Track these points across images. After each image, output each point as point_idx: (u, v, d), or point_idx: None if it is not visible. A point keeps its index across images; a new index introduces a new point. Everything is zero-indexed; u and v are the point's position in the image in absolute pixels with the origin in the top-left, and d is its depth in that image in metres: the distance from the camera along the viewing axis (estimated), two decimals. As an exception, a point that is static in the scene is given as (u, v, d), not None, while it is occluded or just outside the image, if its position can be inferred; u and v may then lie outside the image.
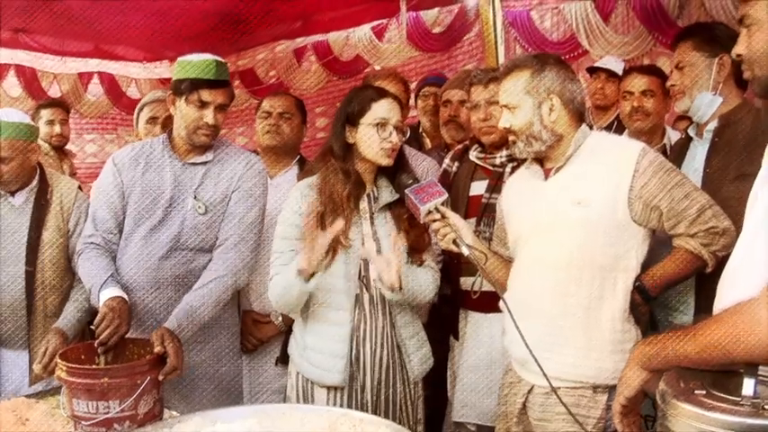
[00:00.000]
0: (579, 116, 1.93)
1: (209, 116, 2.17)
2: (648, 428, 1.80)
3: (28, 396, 2.05)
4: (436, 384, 2.52)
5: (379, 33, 5.73)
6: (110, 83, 6.27)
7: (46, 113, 3.66)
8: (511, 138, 1.95)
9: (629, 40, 4.46)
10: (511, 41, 5.10)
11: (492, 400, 2.34)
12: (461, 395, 2.46)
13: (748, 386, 1.11)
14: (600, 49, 4.56)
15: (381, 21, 5.62)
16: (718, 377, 1.18)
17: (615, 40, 4.52)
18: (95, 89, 6.23)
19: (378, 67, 5.73)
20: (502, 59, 4.96)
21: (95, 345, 1.89)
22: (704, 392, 1.14)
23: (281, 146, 2.78)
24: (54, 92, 5.94)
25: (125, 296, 2.03)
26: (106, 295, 2.01)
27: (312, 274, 1.95)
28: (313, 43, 6.11)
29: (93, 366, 1.84)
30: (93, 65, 6.05)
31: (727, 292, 1.29)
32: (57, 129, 3.73)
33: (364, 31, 5.79)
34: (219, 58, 2.23)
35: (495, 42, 4.93)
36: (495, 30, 4.95)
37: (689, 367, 1.24)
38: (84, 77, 6.15)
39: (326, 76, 6.13)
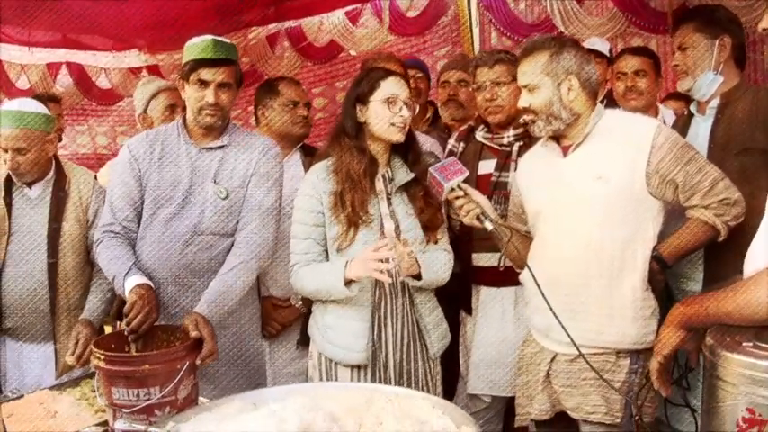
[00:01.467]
0: (595, 95, 2.02)
1: (209, 95, 2.16)
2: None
3: (50, 388, 2.05)
4: (445, 360, 2.59)
5: (353, 18, 5.71)
6: (79, 73, 6.09)
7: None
8: (530, 117, 2.02)
9: (604, 22, 4.53)
10: (486, 24, 5.16)
11: (506, 372, 2.43)
12: (476, 368, 2.53)
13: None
14: (575, 30, 4.61)
15: (355, 6, 5.61)
16: (759, 332, 1.29)
17: (590, 21, 4.60)
18: (64, 80, 6.05)
19: (353, 53, 5.73)
20: (477, 42, 5.05)
21: (126, 333, 1.88)
22: (751, 344, 1.24)
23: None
24: (22, 83, 5.76)
25: (151, 283, 2.04)
26: (132, 283, 2.00)
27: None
28: (286, 29, 6.04)
29: (133, 354, 1.85)
30: (62, 55, 5.86)
31: (751, 269, 1.37)
32: (62, 123, 3.64)
33: (338, 16, 5.76)
34: (220, 38, 2.22)
35: (471, 25, 5.01)
36: (469, 13, 5.03)
37: (727, 324, 1.34)
38: (53, 68, 5.96)
39: (300, 61, 6.08)
